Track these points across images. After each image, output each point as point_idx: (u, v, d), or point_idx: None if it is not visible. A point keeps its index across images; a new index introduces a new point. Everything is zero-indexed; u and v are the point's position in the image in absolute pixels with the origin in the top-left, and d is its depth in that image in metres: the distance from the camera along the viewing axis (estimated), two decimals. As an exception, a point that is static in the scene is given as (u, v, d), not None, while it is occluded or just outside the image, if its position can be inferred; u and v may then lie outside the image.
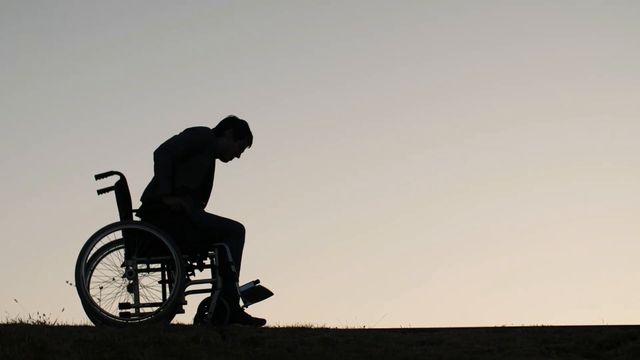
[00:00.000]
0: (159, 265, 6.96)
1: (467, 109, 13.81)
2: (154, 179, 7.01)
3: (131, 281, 6.84)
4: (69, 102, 14.01)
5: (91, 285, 6.90)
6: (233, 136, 7.18)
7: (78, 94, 13.96)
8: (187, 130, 7.08)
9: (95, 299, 6.78)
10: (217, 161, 7.20)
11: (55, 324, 6.61)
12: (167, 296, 6.85)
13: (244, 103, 13.78)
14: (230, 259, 6.97)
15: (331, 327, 6.83)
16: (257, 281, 6.95)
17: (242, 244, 6.99)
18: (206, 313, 6.84)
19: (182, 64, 14.16)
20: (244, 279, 7.00)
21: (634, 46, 13.48)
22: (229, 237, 6.95)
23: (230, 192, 13.13)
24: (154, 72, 14.22)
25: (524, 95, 13.70)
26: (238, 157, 7.23)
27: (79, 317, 6.85)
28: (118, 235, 6.98)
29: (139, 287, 6.85)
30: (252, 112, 13.16)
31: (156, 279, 6.96)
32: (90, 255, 6.91)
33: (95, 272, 6.98)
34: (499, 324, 6.84)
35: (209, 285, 6.92)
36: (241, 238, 6.98)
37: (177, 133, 7.07)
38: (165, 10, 14.08)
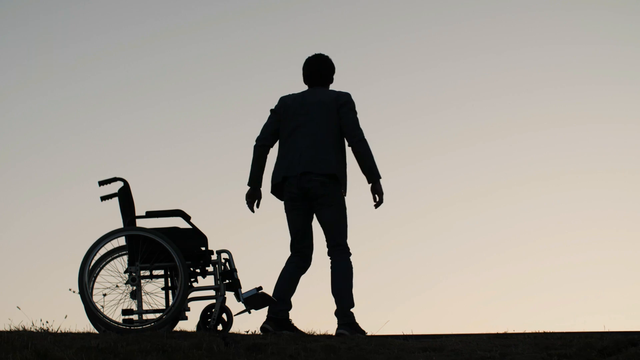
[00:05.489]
0: (162, 272, 6.98)
1: (476, 115, 13.82)
2: (326, 155, 7.03)
3: (134, 288, 6.85)
4: (73, 108, 14.04)
5: (94, 292, 6.92)
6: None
7: (81, 100, 13.99)
8: (352, 109, 7.12)
9: (98, 306, 6.80)
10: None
11: (59, 331, 6.63)
12: (170, 303, 6.87)
13: (246, 107, 13.80)
14: (234, 266, 6.99)
15: (334, 334, 6.84)
16: (260, 288, 6.97)
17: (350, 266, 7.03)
18: (209, 320, 6.86)
19: (187, 69, 14.19)
20: (247, 285, 7.02)
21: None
22: (341, 249, 7.03)
23: (229, 196, 13.15)
24: (157, 78, 14.24)
25: (534, 102, 13.71)
26: None
27: (82, 324, 6.87)
28: (121, 241, 7.00)
29: (142, 293, 6.87)
30: (257, 117, 13.17)
31: (159, 285, 6.98)
32: (93, 262, 6.92)
33: (98, 279, 7.00)
34: (501, 331, 6.86)
35: (212, 292, 6.93)
36: (346, 252, 7.04)
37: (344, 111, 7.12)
38: (168, 17, 14.11)
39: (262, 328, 6.94)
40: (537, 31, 13.84)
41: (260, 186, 7.27)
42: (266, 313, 7.02)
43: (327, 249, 7.07)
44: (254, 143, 7.26)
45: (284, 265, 7.13)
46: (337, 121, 7.11)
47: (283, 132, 7.20)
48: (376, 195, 7.08)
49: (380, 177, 7.07)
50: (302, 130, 7.13)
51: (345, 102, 7.12)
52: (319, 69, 7.28)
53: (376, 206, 7.09)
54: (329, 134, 7.08)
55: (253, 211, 7.29)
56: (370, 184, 7.09)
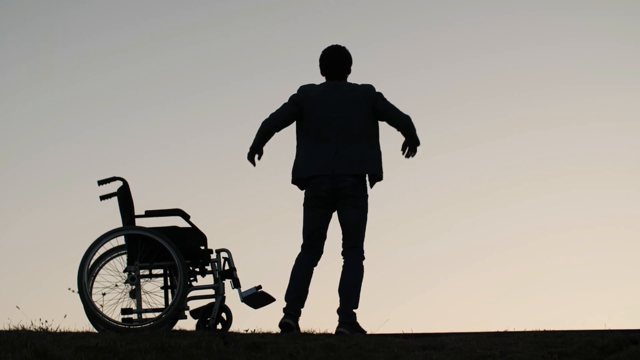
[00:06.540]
0: (161, 271, 6.98)
1: (476, 115, 13.81)
2: (363, 156, 6.99)
3: (133, 287, 6.85)
4: (72, 108, 14.04)
5: (94, 291, 6.91)
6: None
7: (80, 100, 13.99)
8: (384, 98, 7.07)
9: (97, 305, 6.80)
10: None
11: (58, 331, 6.62)
12: (170, 302, 6.87)
13: (246, 107, 13.80)
14: (233, 265, 6.98)
15: (333, 333, 6.84)
16: (260, 287, 6.96)
17: (362, 268, 6.99)
18: (208, 319, 6.85)
19: (187, 69, 14.19)
20: (246, 284, 7.01)
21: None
22: (357, 252, 7.00)
23: (229, 196, 13.14)
24: (157, 78, 14.25)
25: (534, 102, 13.71)
26: None
27: (81, 323, 6.87)
28: (121, 240, 7.00)
29: (142, 292, 6.86)
30: (257, 116, 13.16)
31: (158, 284, 6.98)
32: (92, 261, 6.92)
33: (97, 278, 7.00)
34: (501, 329, 6.84)
35: (211, 291, 6.93)
36: (361, 256, 7.01)
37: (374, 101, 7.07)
38: (168, 17, 14.11)
39: (283, 323, 6.80)
40: (537, 31, 13.84)
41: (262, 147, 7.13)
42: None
43: (341, 249, 7.01)
44: (266, 118, 7.04)
45: (294, 263, 6.99)
46: (369, 117, 7.00)
47: (309, 126, 7.00)
48: (408, 148, 7.13)
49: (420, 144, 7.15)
50: (332, 126, 6.96)
51: (377, 96, 7.03)
52: (340, 61, 7.12)
53: (407, 157, 7.16)
54: (362, 132, 6.97)
55: (254, 165, 7.14)
56: (411, 145, 7.13)
